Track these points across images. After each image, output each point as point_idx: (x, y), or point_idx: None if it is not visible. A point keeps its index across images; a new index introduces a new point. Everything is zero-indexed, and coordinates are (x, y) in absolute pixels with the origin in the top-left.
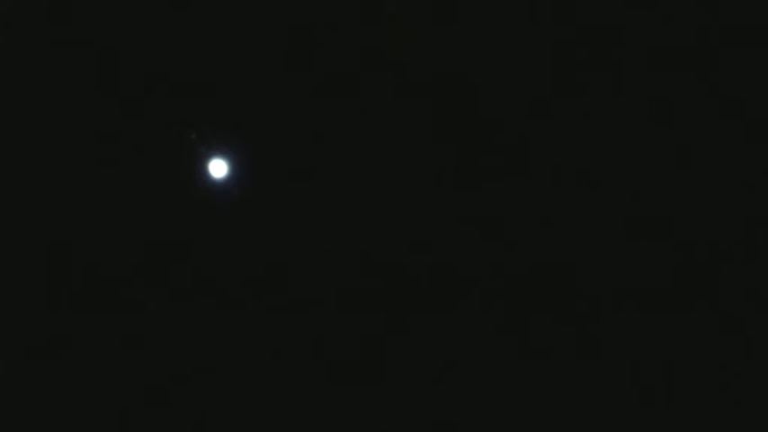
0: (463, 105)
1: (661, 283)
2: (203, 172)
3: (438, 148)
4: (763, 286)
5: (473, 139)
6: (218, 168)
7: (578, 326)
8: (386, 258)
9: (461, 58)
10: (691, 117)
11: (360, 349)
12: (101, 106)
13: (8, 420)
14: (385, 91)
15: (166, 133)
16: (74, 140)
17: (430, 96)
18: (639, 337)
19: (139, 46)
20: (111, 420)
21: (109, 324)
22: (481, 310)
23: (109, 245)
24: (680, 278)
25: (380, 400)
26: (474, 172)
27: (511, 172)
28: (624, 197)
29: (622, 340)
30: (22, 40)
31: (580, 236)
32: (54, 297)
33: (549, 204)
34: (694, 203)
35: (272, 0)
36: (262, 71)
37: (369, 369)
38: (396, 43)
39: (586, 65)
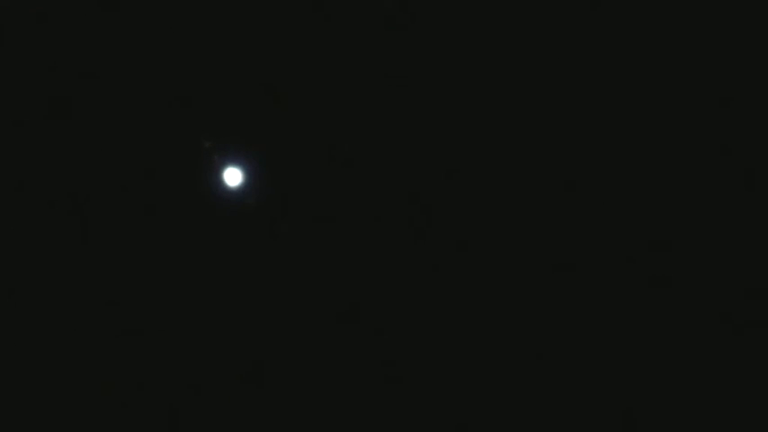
0: (481, 114)
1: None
2: (217, 181)
3: (453, 156)
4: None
5: (490, 146)
6: (233, 177)
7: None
8: (399, 265)
9: (475, 66)
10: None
11: (364, 354)
12: (113, 114)
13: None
14: (399, 100)
15: (180, 142)
16: (87, 149)
17: (444, 103)
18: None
19: (153, 54)
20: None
21: (122, 331)
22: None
23: (123, 253)
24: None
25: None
26: (488, 179)
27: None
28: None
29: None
30: (36, 44)
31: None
32: (66, 303)
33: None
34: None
35: (286, 11)
36: (275, 79)
37: (370, 372)
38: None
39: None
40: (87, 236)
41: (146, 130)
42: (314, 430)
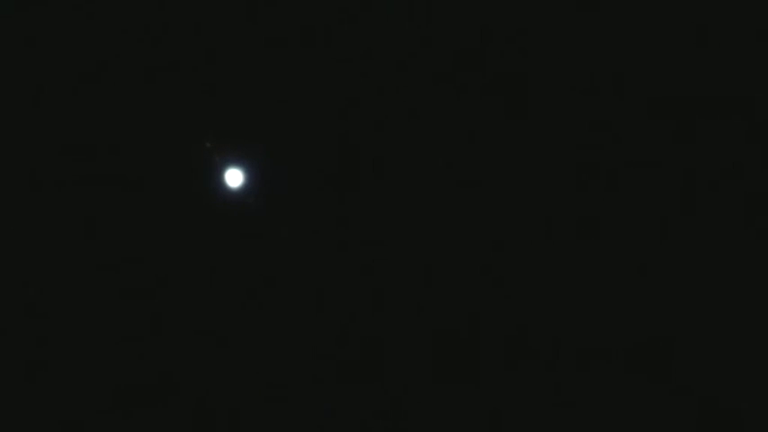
0: (481, 114)
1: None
2: (219, 182)
3: (454, 156)
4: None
5: (490, 146)
6: (234, 178)
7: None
8: (400, 264)
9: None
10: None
11: (366, 354)
12: (115, 115)
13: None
14: (400, 100)
15: (182, 143)
16: (89, 150)
17: (444, 103)
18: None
19: (156, 55)
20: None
21: (124, 331)
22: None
23: (124, 253)
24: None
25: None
26: (489, 179)
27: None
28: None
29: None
30: (38, 44)
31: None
32: (68, 303)
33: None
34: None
35: (288, 13)
36: (276, 81)
37: (371, 372)
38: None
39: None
40: (89, 236)
41: (148, 131)
42: (313, 430)
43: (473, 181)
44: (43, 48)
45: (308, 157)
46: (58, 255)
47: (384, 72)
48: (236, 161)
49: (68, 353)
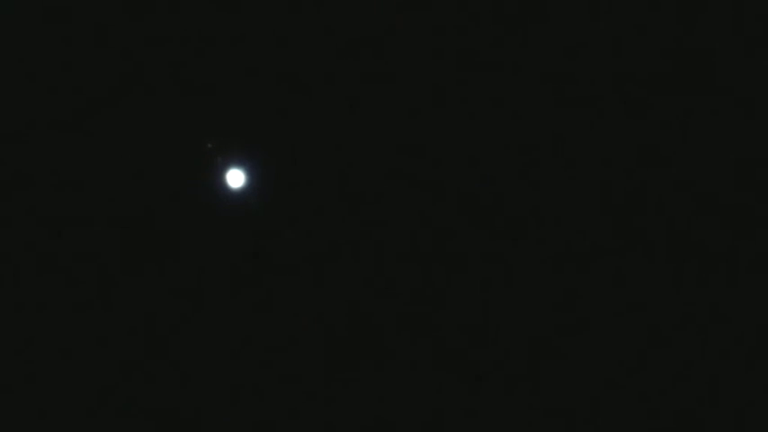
0: (482, 115)
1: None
2: (220, 182)
3: (454, 157)
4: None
5: (492, 147)
6: (235, 179)
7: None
8: (400, 265)
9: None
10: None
11: (367, 353)
12: (116, 115)
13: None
14: (402, 101)
15: (184, 144)
16: (90, 150)
17: (445, 104)
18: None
19: (157, 55)
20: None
21: (125, 331)
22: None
23: (125, 254)
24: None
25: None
26: (490, 181)
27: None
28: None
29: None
30: (40, 45)
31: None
32: (68, 303)
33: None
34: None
35: (289, 13)
36: (278, 82)
37: (371, 371)
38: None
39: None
40: (90, 237)
41: (149, 131)
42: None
43: (475, 182)
44: (43, 48)
45: (310, 157)
46: (57, 254)
47: (385, 72)
48: (238, 162)
49: (67, 353)
